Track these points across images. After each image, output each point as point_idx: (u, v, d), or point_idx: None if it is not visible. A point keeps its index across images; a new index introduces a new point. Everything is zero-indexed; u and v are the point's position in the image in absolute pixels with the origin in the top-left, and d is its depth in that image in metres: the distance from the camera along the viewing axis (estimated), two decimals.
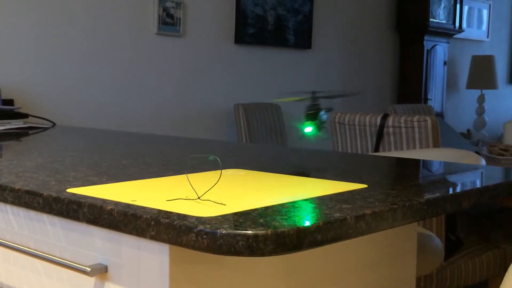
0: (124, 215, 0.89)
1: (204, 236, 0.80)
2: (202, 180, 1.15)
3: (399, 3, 5.45)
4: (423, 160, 1.65)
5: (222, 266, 0.97)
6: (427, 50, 5.46)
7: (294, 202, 0.97)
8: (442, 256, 1.89)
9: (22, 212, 1.09)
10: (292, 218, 0.85)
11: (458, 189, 1.18)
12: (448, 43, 5.80)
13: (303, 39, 4.56)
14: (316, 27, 4.68)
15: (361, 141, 2.90)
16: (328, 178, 1.22)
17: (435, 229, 2.18)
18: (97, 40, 3.40)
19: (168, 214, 0.87)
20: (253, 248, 0.78)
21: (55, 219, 1.03)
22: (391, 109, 4.24)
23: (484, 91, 6.27)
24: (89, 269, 0.94)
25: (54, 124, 2.63)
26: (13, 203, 1.07)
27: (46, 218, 1.05)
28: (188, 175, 1.22)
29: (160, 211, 0.89)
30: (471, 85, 6.15)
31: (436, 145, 2.64)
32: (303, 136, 2.87)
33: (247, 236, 0.78)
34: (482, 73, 6.06)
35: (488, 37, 6.64)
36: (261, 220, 0.84)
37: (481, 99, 6.22)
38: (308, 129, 3.72)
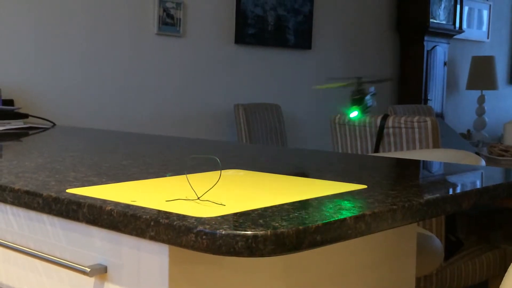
0: (123, 215, 0.89)
1: (204, 237, 0.80)
2: (201, 181, 1.15)
3: (399, 3, 5.45)
4: (423, 160, 1.65)
5: (221, 266, 0.97)
6: (427, 51, 5.46)
7: (293, 202, 0.97)
8: (442, 257, 1.89)
9: (22, 212, 1.09)
10: (291, 219, 0.85)
11: (458, 190, 1.18)
12: (448, 43, 5.80)
13: (303, 40, 4.56)
14: (316, 28, 4.68)
15: (361, 142, 2.90)
16: (328, 178, 1.22)
17: (435, 230, 2.18)
18: (97, 40, 3.40)
19: (167, 214, 0.87)
20: (252, 248, 0.78)
21: (55, 219, 1.03)
22: (391, 110, 4.24)
23: (484, 92, 6.27)
24: (89, 270, 0.94)
25: (54, 124, 2.63)
26: (13, 203, 1.07)
27: (46, 218, 1.05)
28: (188, 175, 1.22)
29: (159, 211, 0.89)
30: (471, 85, 6.15)
31: (436, 145, 2.64)
32: (349, 120, 2.88)
33: (246, 237, 0.78)
34: (482, 73, 6.06)
35: (488, 38, 6.64)
36: (261, 221, 0.84)
37: (481, 100, 6.22)
38: (354, 113, 3.76)
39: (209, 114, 4.02)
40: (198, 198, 0.97)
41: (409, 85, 5.48)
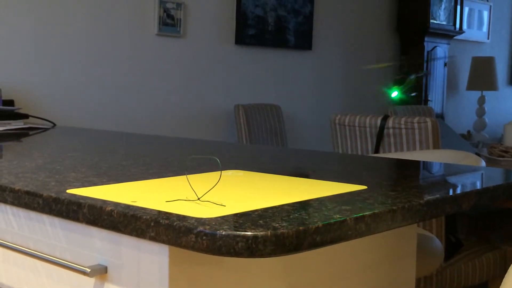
0: (124, 216, 0.89)
1: (204, 237, 0.80)
2: (202, 181, 1.15)
3: (400, 4, 5.45)
4: (423, 161, 1.65)
5: (221, 267, 0.97)
6: (428, 51, 5.46)
7: (293, 203, 0.97)
8: (442, 257, 1.89)
9: (22, 212, 1.09)
10: (291, 220, 0.86)
11: (458, 191, 1.18)
12: (449, 44, 5.80)
13: (303, 40, 4.56)
14: (316, 28, 4.68)
15: (361, 142, 2.90)
16: (328, 179, 1.22)
17: (435, 230, 2.18)
18: (97, 40, 3.40)
19: (167, 215, 0.87)
20: (252, 249, 0.78)
21: (55, 219, 1.03)
22: (391, 111, 4.24)
23: (484, 93, 6.27)
24: (89, 270, 0.94)
25: (55, 124, 2.63)
26: (13, 203, 1.07)
27: (46, 218, 1.05)
28: (188, 176, 1.22)
29: (159, 212, 0.89)
30: (471, 86, 6.15)
31: (436, 146, 2.64)
32: (391, 100, 2.87)
33: (246, 237, 0.78)
34: (482, 74, 6.06)
35: (488, 39, 6.64)
36: (261, 221, 0.84)
37: (481, 101, 6.22)
38: (394, 93, 3.74)
39: (209, 114, 4.02)
40: (198, 199, 0.97)
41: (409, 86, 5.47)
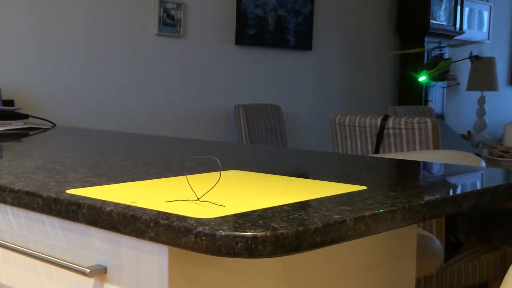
0: (123, 216, 0.89)
1: (203, 238, 0.80)
2: (201, 182, 1.15)
3: (400, 4, 5.45)
4: (423, 161, 1.64)
5: (221, 267, 0.97)
6: (428, 52, 5.46)
7: (293, 203, 0.97)
8: (442, 258, 1.89)
9: (22, 213, 1.09)
10: (291, 220, 0.85)
11: (458, 191, 1.18)
12: (449, 44, 5.80)
13: (303, 40, 4.56)
14: (316, 29, 4.68)
15: (361, 143, 2.90)
16: (328, 179, 1.22)
17: (435, 231, 2.18)
18: (97, 40, 3.40)
19: (167, 215, 0.87)
20: (252, 249, 0.78)
21: (55, 220, 1.03)
22: (392, 111, 4.24)
23: (484, 93, 6.27)
24: (88, 270, 0.94)
25: (55, 124, 2.63)
26: (12, 204, 1.07)
27: (46, 219, 1.05)
28: (188, 176, 1.22)
29: (159, 212, 0.89)
30: (471, 86, 6.15)
31: (436, 146, 2.64)
32: (419, 83, 2.84)
33: (246, 238, 0.78)
34: (482, 74, 6.05)
35: (488, 39, 6.64)
36: (260, 222, 0.84)
37: (481, 101, 6.21)
38: (422, 78, 3.70)
39: (209, 114, 4.02)
40: (198, 199, 0.97)
41: (410, 86, 5.47)
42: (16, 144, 1.94)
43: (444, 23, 5.64)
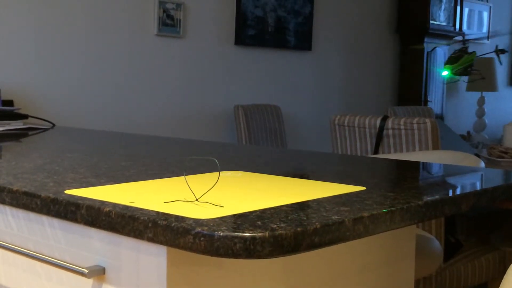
0: (121, 216, 0.89)
1: (202, 238, 0.80)
2: (200, 182, 1.15)
3: (400, 4, 5.45)
4: (422, 162, 1.64)
5: (220, 268, 0.97)
6: (427, 52, 5.46)
7: (292, 204, 0.97)
8: (441, 258, 1.89)
9: (21, 213, 1.09)
10: (289, 221, 0.85)
11: (457, 192, 1.18)
12: (449, 45, 5.80)
13: (303, 41, 4.56)
14: (316, 29, 4.68)
15: (361, 143, 2.90)
16: (327, 180, 1.22)
17: (434, 231, 2.18)
18: (97, 41, 3.40)
19: (165, 216, 0.87)
20: (250, 250, 0.78)
21: (54, 220, 1.03)
22: (391, 111, 4.24)
23: (484, 93, 6.27)
24: (87, 271, 0.94)
25: (54, 125, 2.63)
26: (11, 204, 1.07)
27: (45, 219, 1.05)
28: (187, 176, 1.22)
29: (157, 213, 0.89)
30: (471, 87, 6.14)
31: (435, 147, 2.64)
32: (444, 78, 2.78)
33: (244, 238, 0.78)
34: (482, 75, 6.05)
35: (488, 39, 6.64)
36: (259, 222, 0.84)
37: (481, 101, 6.21)
38: (445, 73, 3.62)
39: (208, 115, 4.02)
40: (197, 200, 0.97)
41: (409, 87, 5.48)
42: (15, 145, 1.94)
43: (444, 24, 5.64)
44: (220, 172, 1.29)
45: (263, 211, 0.91)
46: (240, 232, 0.79)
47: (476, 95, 6.36)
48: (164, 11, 3.67)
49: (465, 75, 5.14)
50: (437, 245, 1.86)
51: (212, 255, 0.79)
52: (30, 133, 2.29)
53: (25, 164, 1.36)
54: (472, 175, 1.46)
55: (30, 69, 3.14)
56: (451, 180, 1.40)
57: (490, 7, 6.61)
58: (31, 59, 3.15)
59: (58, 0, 3.22)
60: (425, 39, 5.43)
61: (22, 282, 1.10)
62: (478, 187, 1.23)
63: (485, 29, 6.59)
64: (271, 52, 4.39)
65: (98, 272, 0.95)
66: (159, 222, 0.84)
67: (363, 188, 1.14)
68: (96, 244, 0.97)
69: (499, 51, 5.22)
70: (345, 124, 2.95)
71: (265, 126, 4.13)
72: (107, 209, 0.91)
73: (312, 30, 4.63)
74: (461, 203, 1.13)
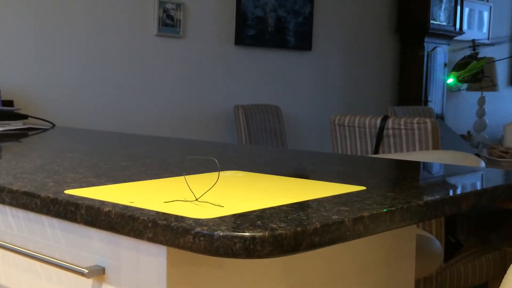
0: (121, 216, 0.89)
1: (201, 238, 0.80)
2: (200, 182, 1.15)
3: (400, 4, 5.45)
4: (423, 162, 1.64)
5: (220, 267, 0.97)
6: (428, 52, 5.46)
7: (292, 204, 0.97)
8: (441, 258, 1.89)
9: (21, 213, 1.08)
10: (289, 220, 0.85)
11: (457, 192, 1.18)
12: (449, 45, 5.80)
13: (303, 41, 4.56)
14: (316, 29, 4.68)
15: (361, 143, 2.90)
16: (327, 180, 1.22)
17: (434, 231, 2.18)
18: (97, 41, 3.40)
19: (165, 216, 0.87)
20: (250, 250, 0.78)
21: (54, 220, 1.03)
22: (391, 111, 4.24)
23: (484, 93, 6.27)
24: (87, 271, 0.94)
25: (54, 125, 2.63)
26: (11, 204, 1.06)
27: (45, 219, 1.05)
28: (186, 176, 1.22)
29: (157, 213, 0.89)
30: (471, 87, 6.14)
31: (436, 147, 2.64)
32: (448, 85, 2.74)
33: (244, 238, 0.78)
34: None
35: (488, 39, 6.64)
36: (259, 222, 0.84)
37: (481, 101, 6.21)
38: (450, 80, 3.55)
39: (209, 115, 4.02)
40: (196, 200, 0.97)
41: (409, 87, 5.47)
42: (15, 145, 1.94)
43: (444, 24, 5.64)
44: (220, 172, 1.28)
45: (263, 210, 0.91)
46: (240, 232, 0.79)
47: (476, 95, 6.36)
48: (164, 11, 3.67)
49: (475, 82, 5.02)
50: (438, 245, 1.86)
51: (212, 255, 0.79)
52: (30, 133, 2.29)
53: (25, 164, 1.36)
54: (472, 175, 1.46)
55: (30, 69, 3.14)
56: (451, 180, 1.40)
57: (491, 7, 6.61)
58: (31, 59, 3.15)
59: (58, 0, 3.22)
60: (425, 39, 5.43)
61: (22, 282, 1.09)
62: (478, 187, 1.23)
63: (485, 29, 6.58)
64: (271, 52, 4.39)
65: (98, 272, 0.95)
66: (159, 222, 0.84)
67: (363, 188, 1.14)
68: (96, 244, 0.97)
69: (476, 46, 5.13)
70: (345, 124, 2.95)
71: (265, 126, 4.13)
72: (107, 209, 0.91)
73: (312, 30, 4.62)
74: (461, 203, 1.13)
